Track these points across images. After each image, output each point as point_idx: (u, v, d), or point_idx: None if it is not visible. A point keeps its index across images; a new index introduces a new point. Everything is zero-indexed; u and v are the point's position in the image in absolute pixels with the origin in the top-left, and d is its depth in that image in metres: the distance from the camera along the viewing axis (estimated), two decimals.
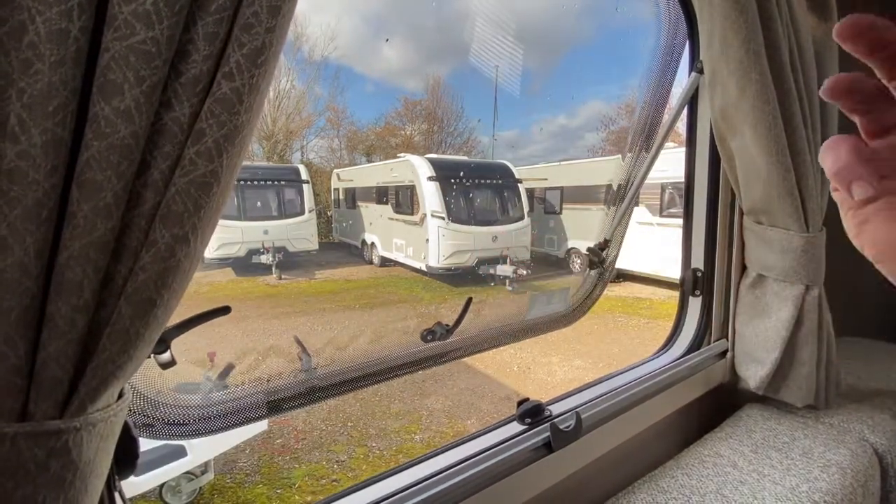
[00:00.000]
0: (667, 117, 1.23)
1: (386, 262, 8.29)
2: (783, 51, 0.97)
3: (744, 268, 1.26)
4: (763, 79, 0.94)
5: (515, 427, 0.89)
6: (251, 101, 0.38)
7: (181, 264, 0.38)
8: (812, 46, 1.07)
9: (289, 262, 7.16)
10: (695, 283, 1.33)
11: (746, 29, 0.92)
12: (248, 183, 7.25)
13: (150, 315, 0.36)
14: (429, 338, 0.96)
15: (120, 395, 0.41)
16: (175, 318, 0.56)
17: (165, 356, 0.60)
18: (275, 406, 0.74)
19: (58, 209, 0.33)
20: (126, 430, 0.47)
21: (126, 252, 0.36)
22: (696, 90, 1.24)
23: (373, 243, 8.60)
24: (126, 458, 0.49)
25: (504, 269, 7.26)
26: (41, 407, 0.34)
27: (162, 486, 2.80)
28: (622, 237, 1.24)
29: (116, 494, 0.49)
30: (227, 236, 6.65)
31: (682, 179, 1.36)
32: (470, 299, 1.02)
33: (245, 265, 6.72)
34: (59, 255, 0.33)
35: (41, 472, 0.34)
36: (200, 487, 3.02)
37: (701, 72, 1.10)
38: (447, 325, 0.98)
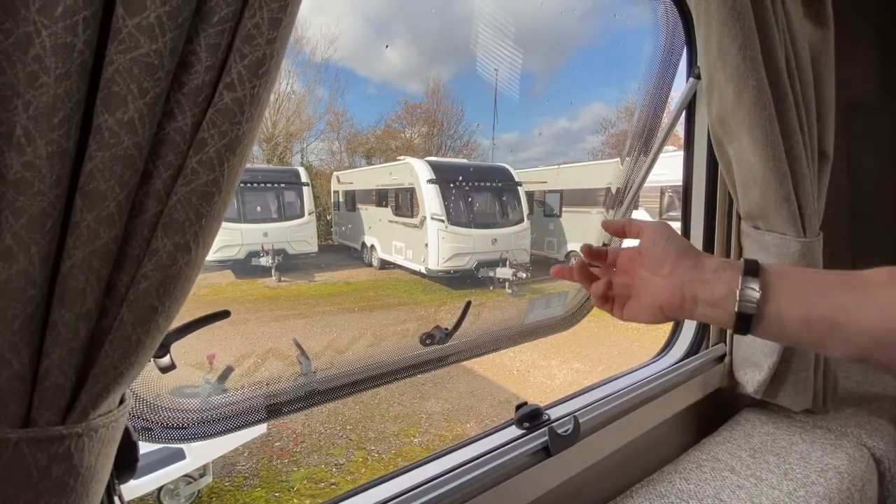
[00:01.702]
0: (665, 121, 1.24)
1: (385, 264, 8.28)
2: (780, 57, 0.98)
3: None
4: (760, 85, 0.95)
5: (513, 431, 0.89)
6: (252, 111, 0.39)
7: (183, 272, 0.38)
8: (808, 53, 1.07)
9: (288, 264, 7.15)
10: None
11: (743, 35, 0.92)
12: (248, 185, 7.24)
13: (151, 322, 0.37)
14: (427, 342, 0.96)
15: (121, 401, 0.41)
16: (176, 322, 0.56)
17: (165, 360, 0.61)
18: (274, 409, 0.74)
19: (62, 219, 0.33)
20: (126, 434, 0.48)
21: (128, 260, 0.36)
22: (694, 95, 1.25)
23: (372, 246, 8.59)
24: (126, 463, 0.49)
25: (504, 272, 7.26)
26: (44, 413, 0.34)
27: (160, 489, 2.79)
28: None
29: (116, 499, 0.50)
30: (226, 238, 6.63)
31: (681, 183, 1.36)
32: (469, 303, 1.02)
33: (245, 267, 6.70)
34: (62, 264, 0.33)
35: (43, 478, 0.34)
36: (199, 490, 3.01)
37: (699, 77, 1.11)
38: (446, 329, 0.98)
